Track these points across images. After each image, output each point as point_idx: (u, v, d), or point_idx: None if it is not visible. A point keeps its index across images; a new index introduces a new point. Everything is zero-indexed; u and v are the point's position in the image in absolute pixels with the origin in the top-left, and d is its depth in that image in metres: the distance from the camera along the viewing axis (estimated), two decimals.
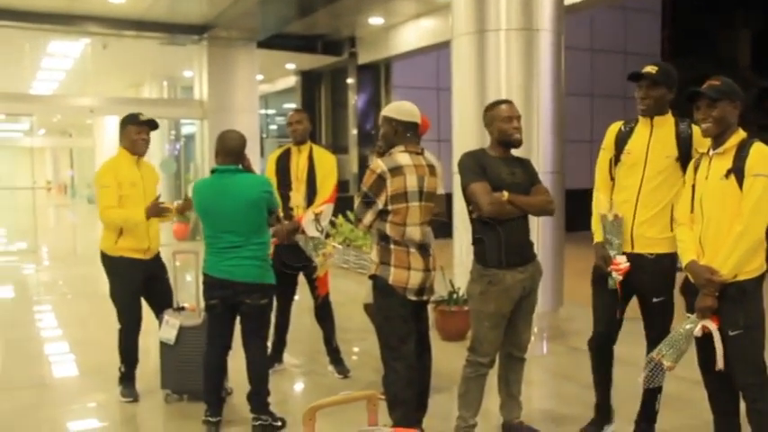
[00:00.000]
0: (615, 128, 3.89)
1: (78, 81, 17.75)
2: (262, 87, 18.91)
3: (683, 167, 3.61)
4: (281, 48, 14.70)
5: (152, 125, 4.72)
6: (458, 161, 3.83)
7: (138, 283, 4.67)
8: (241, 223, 3.97)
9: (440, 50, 12.69)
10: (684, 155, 3.64)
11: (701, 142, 3.55)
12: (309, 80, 17.59)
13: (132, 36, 13.24)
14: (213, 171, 4.07)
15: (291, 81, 18.08)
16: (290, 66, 16.95)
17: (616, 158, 3.81)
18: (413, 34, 13.43)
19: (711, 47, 28.44)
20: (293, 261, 5.06)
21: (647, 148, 3.69)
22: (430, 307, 5.95)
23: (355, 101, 15.62)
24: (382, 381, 3.81)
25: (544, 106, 6.31)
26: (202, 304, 4.24)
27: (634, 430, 3.90)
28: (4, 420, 4.24)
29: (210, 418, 4.13)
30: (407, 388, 3.69)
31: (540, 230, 6.27)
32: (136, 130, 4.64)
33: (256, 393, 4.12)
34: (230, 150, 4.02)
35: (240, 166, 4.09)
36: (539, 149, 6.27)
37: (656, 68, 3.68)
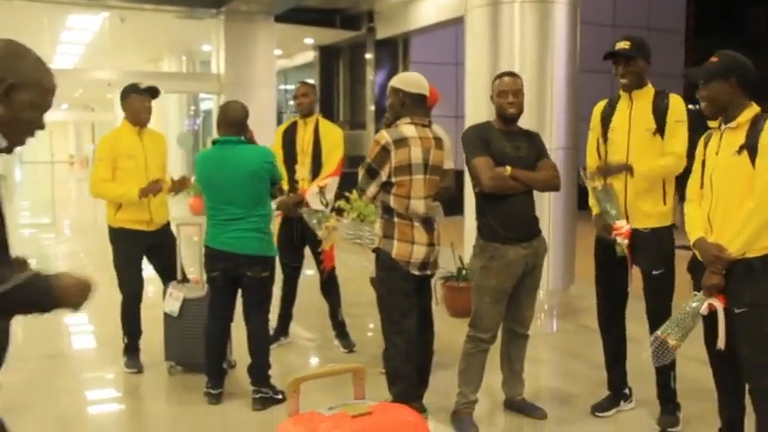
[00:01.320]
0: (600, 107, 3.90)
1: (98, 55, 17.80)
2: (280, 62, 18.87)
3: (662, 138, 3.62)
4: (299, 22, 14.61)
5: (153, 92, 4.68)
6: (462, 135, 3.77)
7: (137, 255, 4.66)
8: (242, 195, 3.94)
9: (458, 25, 12.52)
10: (661, 126, 3.62)
11: (676, 112, 3.60)
12: (328, 55, 17.50)
13: (150, 10, 13.21)
14: (215, 142, 4.04)
15: (310, 56, 18.01)
16: (309, 40, 16.86)
17: (604, 137, 3.78)
18: (431, 8, 13.28)
19: (738, 24, 27.90)
20: (291, 261, 5.12)
21: (628, 123, 3.68)
22: (439, 283, 5.99)
23: (373, 76, 15.51)
24: (382, 355, 3.78)
25: (558, 81, 6.20)
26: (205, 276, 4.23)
27: (661, 409, 3.85)
28: (20, 389, 4.28)
29: (212, 390, 4.14)
30: (407, 363, 3.65)
31: (552, 208, 6.20)
32: (138, 99, 4.60)
33: (257, 366, 4.11)
34: (232, 121, 3.98)
35: (243, 138, 4.05)
36: (552, 124, 6.17)
37: (629, 43, 3.64)
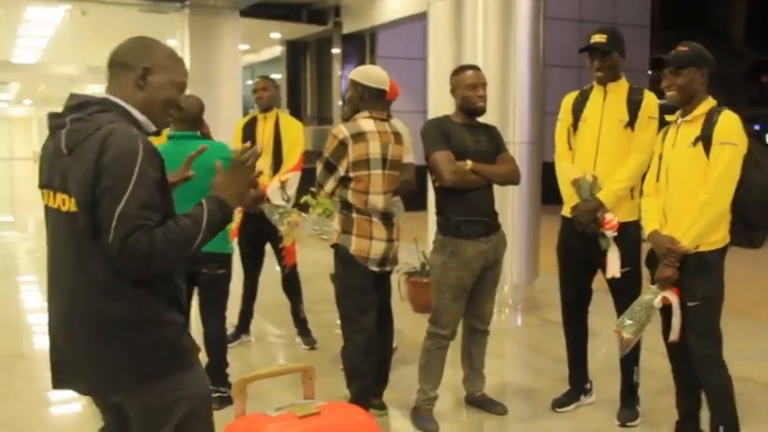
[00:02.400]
0: (571, 97, 3.87)
1: (59, 50, 17.46)
2: (247, 57, 18.69)
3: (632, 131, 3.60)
4: (265, 16, 14.46)
5: None
6: (421, 129, 3.73)
7: None
8: (199, 191, 3.82)
9: (426, 20, 12.49)
10: (633, 120, 3.61)
11: (649, 108, 3.58)
12: (295, 50, 17.37)
13: (113, 3, 12.98)
14: (170, 137, 3.95)
15: (277, 51, 17.86)
16: (275, 35, 16.72)
17: (574, 127, 3.76)
18: (397, 3, 13.22)
19: (704, 19, 28.28)
20: (252, 257, 5.10)
21: (601, 115, 3.65)
22: (402, 278, 5.95)
23: (341, 71, 15.42)
24: (341, 352, 3.73)
25: (521, 75, 6.17)
26: None
27: (621, 403, 3.85)
28: None
29: None
30: (366, 360, 3.61)
31: (516, 202, 6.19)
32: None
33: (214, 365, 4.03)
34: (186, 116, 3.89)
35: (198, 133, 3.96)
36: (515, 119, 6.15)
37: (604, 36, 3.62)
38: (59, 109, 1.98)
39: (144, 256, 1.80)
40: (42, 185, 2.02)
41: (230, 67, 13.90)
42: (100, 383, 1.99)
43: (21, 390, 4.46)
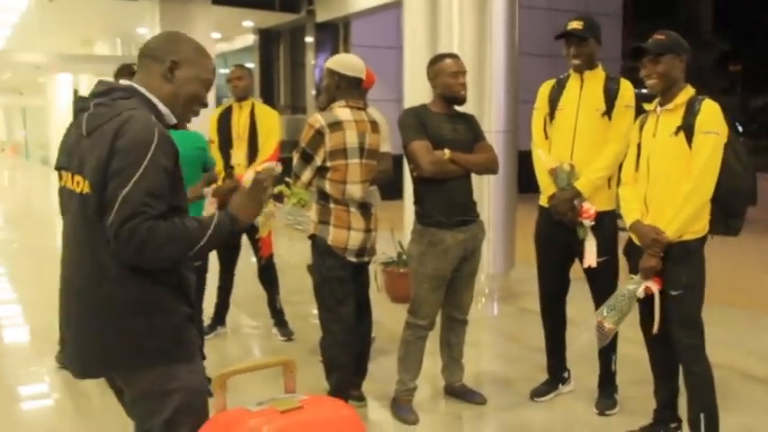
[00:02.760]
0: (547, 86, 3.86)
1: (26, 37, 17.11)
2: (220, 46, 18.46)
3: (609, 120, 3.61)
4: (237, 4, 14.26)
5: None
6: (398, 118, 3.69)
7: None
8: None
9: (400, 8, 12.40)
10: (610, 109, 3.61)
11: (626, 97, 3.59)
12: (268, 39, 17.18)
13: None
14: None
15: (249, 40, 17.65)
16: (248, 23, 16.51)
17: (551, 116, 3.75)
18: None
19: (674, 10, 28.56)
20: (227, 248, 4.98)
21: (577, 104, 3.65)
22: (379, 268, 5.93)
23: (314, 60, 15.29)
24: (320, 344, 3.70)
25: (497, 64, 6.16)
26: None
27: (598, 392, 3.87)
28: None
29: None
30: (345, 352, 3.58)
31: (492, 191, 6.18)
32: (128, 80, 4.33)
33: None
34: None
35: None
36: (491, 108, 6.14)
37: (581, 23, 3.62)
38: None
39: (139, 243, 1.82)
40: (59, 167, 2.06)
41: None
42: (95, 364, 2.01)
43: (12, 386, 4.37)
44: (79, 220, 1.97)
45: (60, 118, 24.76)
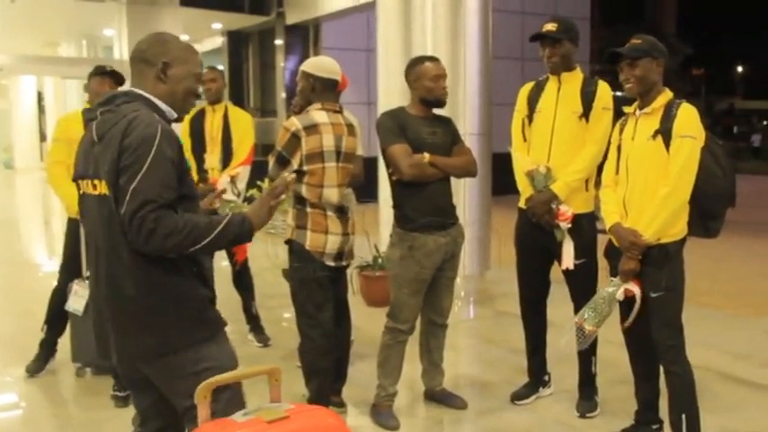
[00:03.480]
0: (527, 88, 3.85)
1: None
2: None
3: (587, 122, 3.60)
4: (205, 6, 14.17)
5: (116, 78, 4.33)
6: (376, 122, 3.65)
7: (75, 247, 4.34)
8: None
9: (370, 11, 12.41)
10: (587, 111, 3.61)
11: (604, 99, 3.59)
12: (237, 41, 17.06)
13: None
14: None
15: (218, 42, 17.51)
16: (217, 25, 16.39)
17: (529, 118, 3.74)
18: None
19: (640, 15, 28.98)
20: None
21: (555, 106, 3.65)
22: (355, 272, 5.88)
23: (284, 62, 15.21)
24: (298, 349, 3.64)
25: (471, 66, 6.16)
26: None
27: (579, 394, 3.87)
28: None
29: (119, 392, 3.92)
30: (324, 357, 3.53)
31: (467, 194, 6.18)
32: (98, 81, 4.23)
33: None
34: None
35: None
36: (465, 110, 6.14)
37: (555, 25, 3.62)
38: None
39: (148, 231, 1.95)
40: (78, 177, 2.21)
41: None
42: (129, 355, 2.18)
43: None
44: (100, 221, 2.11)
45: (24, 121, 24.36)
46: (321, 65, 3.55)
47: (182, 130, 4.92)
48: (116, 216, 2.02)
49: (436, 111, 3.71)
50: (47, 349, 4.51)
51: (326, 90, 3.51)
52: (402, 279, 3.60)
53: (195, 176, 4.75)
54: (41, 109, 24.26)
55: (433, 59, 3.67)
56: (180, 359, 2.12)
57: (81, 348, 4.36)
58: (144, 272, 2.06)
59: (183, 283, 2.12)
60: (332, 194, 3.47)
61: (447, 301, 3.82)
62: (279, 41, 15.23)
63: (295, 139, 3.37)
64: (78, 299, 4.27)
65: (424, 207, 3.55)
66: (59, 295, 4.40)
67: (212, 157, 4.83)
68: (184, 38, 13.02)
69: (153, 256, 2.03)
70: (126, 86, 2.23)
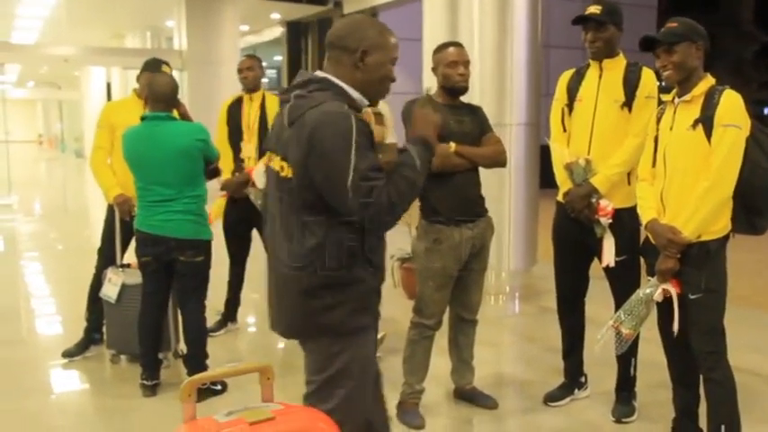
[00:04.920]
0: (566, 76, 3.66)
1: (57, 31, 17.26)
2: (248, 38, 18.42)
3: (629, 112, 3.40)
4: None
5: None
6: (402, 110, 3.53)
7: (112, 234, 4.45)
8: (172, 174, 3.69)
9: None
10: (630, 100, 3.40)
11: (647, 87, 3.37)
12: (296, 31, 17.08)
13: None
14: (143, 118, 3.77)
15: (277, 32, 17.59)
16: (275, 16, 16.44)
17: (569, 108, 3.54)
18: None
19: (712, 1, 27.85)
20: (238, 244, 4.96)
21: (596, 94, 3.44)
22: (396, 264, 5.77)
23: None
24: None
25: (518, 55, 5.97)
26: None
27: (616, 398, 3.69)
28: None
29: (146, 382, 3.92)
30: None
31: (513, 186, 6.01)
32: (148, 78, 4.25)
33: (193, 356, 3.88)
34: (159, 96, 3.71)
35: (173, 113, 3.79)
36: (512, 100, 5.94)
37: (599, 8, 3.41)
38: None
39: (388, 210, 2.07)
40: (267, 148, 2.31)
41: (229, 48, 13.69)
42: (287, 330, 2.30)
43: (23, 380, 4.31)
44: (278, 199, 2.20)
45: (94, 111, 25.08)
46: None
47: (219, 118, 4.91)
48: (290, 200, 2.14)
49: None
50: (88, 336, 4.57)
51: None
52: (427, 273, 3.48)
53: (231, 165, 4.74)
54: (110, 100, 24.98)
55: (456, 45, 3.52)
56: (326, 340, 2.20)
57: (115, 335, 4.39)
58: (314, 255, 2.12)
59: (352, 268, 2.16)
60: None
61: (476, 296, 3.67)
62: None
63: None
64: (112, 286, 4.30)
65: (450, 198, 3.42)
66: (96, 282, 4.45)
67: (249, 146, 4.79)
68: (243, 28, 13.08)
69: (340, 236, 2.11)
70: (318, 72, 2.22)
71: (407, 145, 2.23)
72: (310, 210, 2.11)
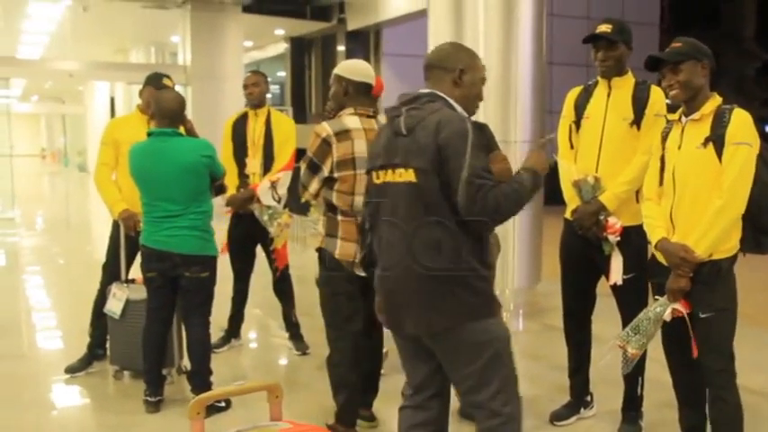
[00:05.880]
0: (575, 93, 3.67)
1: (62, 46, 17.37)
2: (252, 54, 18.53)
3: (638, 130, 3.40)
4: (268, 12, 14.31)
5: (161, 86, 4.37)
6: None
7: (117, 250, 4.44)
8: (178, 190, 3.69)
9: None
10: (639, 118, 3.40)
11: (657, 105, 3.37)
12: (300, 47, 17.21)
13: None
14: (149, 134, 3.78)
15: (281, 48, 17.70)
16: (279, 32, 16.56)
17: (577, 125, 3.55)
18: None
19: (715, 19, 27.95)
20: (242, 260, 4.94)
21: (605, 112, 3.43)
22: None
23: None
24: (326, 361, 3.54)
25: (523, 72, 5.97)
26: None
27: (622, 418, 3.66)
28: None
29: (149, 398, 3.90)
30: (353, 370, 3.43)
31: None
32: (151, 93, 4.30)
33: (197, 372, 3.87)
34: (165, 112, 3.72)
35: (179, 130, 3.80)
36: (516, 117, 5.95)
37: (610, 27, 3.42)
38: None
39: (491, 208, 2.28)
40: (374, 168, 2.53)
41: (233, 64, 13.76)
42: (428, 325, 2.41)
43: (24, 395, 4.30)
44: (402, 206, 2.40)
45: (97, 125, 25.17)
46: (354, 68, 3.46)
47: (224, 134, 4.92)
48: (420, 201, 2.34)
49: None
50: (91, 351, 4.56)
51: (360, 94, 3.41)
52: None
53: (236, 181, 4.74)
54: (114, 114, 25.07)
55: None
56: (471, 328, 2.38)
57: (118, 351, 4.37)
58: (448, 250, 2.33)
59: (476, 263, 2.37)
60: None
61: None
62: (340, 47, 15.27)
63: (326, 145, 3.28)
64: (116, 302, 4.29)
65: None
66: (101, 297, 4.44)
67: (254, 162, 4.79)
68: (247, 44, 13.15)
69: (464, 234, 2.33)
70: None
71: (521, 170, 2.46)
72: (438, 210, 2.32)
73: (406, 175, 2.37)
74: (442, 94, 2.46)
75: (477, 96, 2.57)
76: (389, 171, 2.44)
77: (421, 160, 2.33)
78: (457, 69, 2.48)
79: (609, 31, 3.41)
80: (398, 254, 2.41)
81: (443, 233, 2.33)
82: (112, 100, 23.65)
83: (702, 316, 2.91)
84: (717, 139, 2.84)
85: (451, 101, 2.46)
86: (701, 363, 2.95)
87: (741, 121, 2.83)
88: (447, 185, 2.30)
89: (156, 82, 4.39)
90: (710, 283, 2.90)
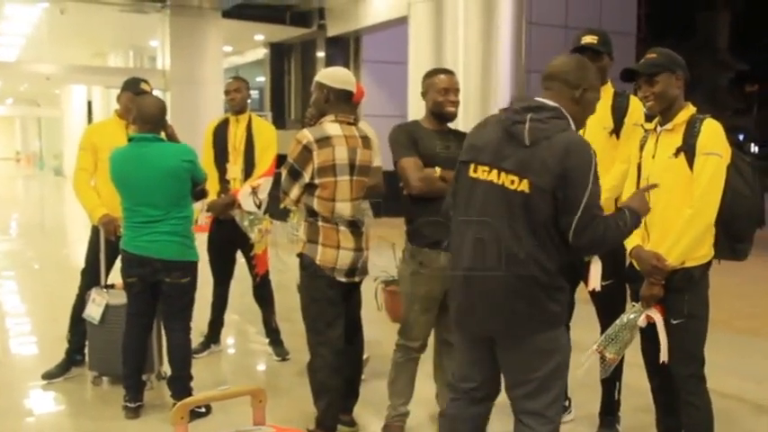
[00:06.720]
0: None
1: (39, 48, 17.22)
2: (232, 59, 18.50)
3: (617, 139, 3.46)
4: (248, 18, 14.31)
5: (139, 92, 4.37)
6: (389, 134, 3.56)
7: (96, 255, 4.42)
8: (159, 195, 3.69)
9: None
10: (618, 127, 3.46)
11: (635, 114, 3.43)
12: (279, 52, 17.21)
13: (93, 2, 12.76)
14: (130, 139, 3.78)
15: (261, 53, 17.68)
16: (259, 37, 16.55)
17: None
18: (381, 6, 13.08)
19: (690, 29, 28.34)
20: (222, 265, 4.94)
21: None
22: (380, 287, 5.78)
23: None
24: (307, 366, 3.56)
25: (503, 79, 6.05)
26: None
27: (599, 422, 3.71)
28: None
29: (129, 404, 3.88)
30: (334, 375, 3.45)
31: None
32: (129, 98, 4.30)
33: (177, 378, 3.87)
34: (147, 118, 3.73)
35: (160, 135, 3.80)
36: None
37: (596, 38, 3.48)
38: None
39: (599, 239, 2.39)
40: (479, 162, 2.52)
41: (212, 69, 13.75)
42: (506, 327, 2.48)
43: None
44: (501, 210, 2.43)
45: (74, 129, 24.97)
46: (335, 75, 3.48)
47: (204, 139, 4.92)
48: (521, 212, 2.39)
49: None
50: (70, 357, 4.53)
51: (340, 101, 3.44)
52: (413, 296, 3.50)
53: (217, 186, 4.74)
54: (91, 118, 24.88)
55: (447, 72, 3.58)
56: (543, 336, 2.46)
57: (97, 356, 4.35)
58: (533, 260, 2.39)
59: (558, 274, 2.44)
60: (344, 209, 3.39)
61: None
62: (320, 53, 15.29)
63: (306, 151, 3.30)
64: (96, 307, 4.27)
65: (435, 223, 3.43)
66: (80, 303, 4.42)
67: (234, 168, 4.80)
68: (227, 49, 13.12)
69: (565, 252, 2.43)
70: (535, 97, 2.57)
71: (624, 207, 2.57)
72: (543, 225, 2.38)
73: (519, 185, 2.39)
74: (565, 112, 2.48)
75: (591, 112, 2.64)
76: (495, 171, 2.45)
77: (540, 177, 2.36)
78: (581, 87, 2.52)
79: (595, 42, 3.47)
80: (492, 255, 2.44)
81: (545, 246, 2.39)
82: (90, 104, 23.47)
83: (674, 322, 2.97)
84: (688, 149, 2.90)
85: (569, 117, 2.49)
86: (670, 368, 3.01)
87: (711, 131, 2.89)
88: (561, 205, 2.36)
89: (134, 87, 4.39)
90: (682, 290, 2.96)
